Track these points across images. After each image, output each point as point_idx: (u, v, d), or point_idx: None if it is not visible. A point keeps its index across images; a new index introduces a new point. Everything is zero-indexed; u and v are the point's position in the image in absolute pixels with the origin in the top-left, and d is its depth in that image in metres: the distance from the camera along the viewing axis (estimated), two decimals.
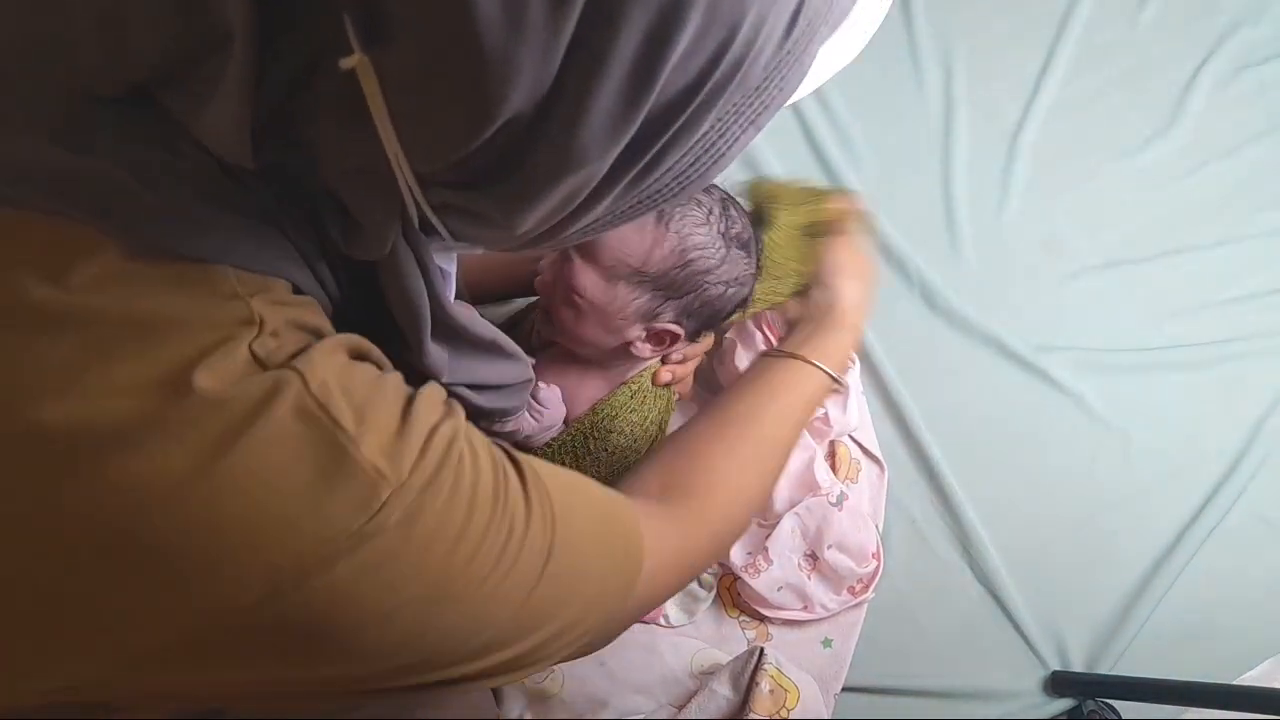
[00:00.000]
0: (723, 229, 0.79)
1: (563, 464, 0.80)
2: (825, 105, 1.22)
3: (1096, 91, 1.25)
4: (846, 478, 0.97)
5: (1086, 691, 0.94)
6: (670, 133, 0.32)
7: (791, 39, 0.32)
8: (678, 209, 0.77)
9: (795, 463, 0.95)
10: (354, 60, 0.28)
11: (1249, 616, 1.01)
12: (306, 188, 0.38)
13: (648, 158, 0.33)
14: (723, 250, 0.78)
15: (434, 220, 0.37)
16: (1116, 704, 0.93)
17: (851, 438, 1.00)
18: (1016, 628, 0.98)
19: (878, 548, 0.95)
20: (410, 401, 0.40)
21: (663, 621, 0.92)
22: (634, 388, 0.84)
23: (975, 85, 1.24)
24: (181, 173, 0.36)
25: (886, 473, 1.01)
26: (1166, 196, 1.20)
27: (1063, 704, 0.94)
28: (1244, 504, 1.04)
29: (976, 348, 1.10)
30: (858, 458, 0.99)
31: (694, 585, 0.92)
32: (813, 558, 0.94)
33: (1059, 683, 0.94)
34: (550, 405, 0.81)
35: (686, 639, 0.90)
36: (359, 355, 0.41)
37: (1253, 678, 0.99)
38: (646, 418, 0.84)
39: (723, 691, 0.82)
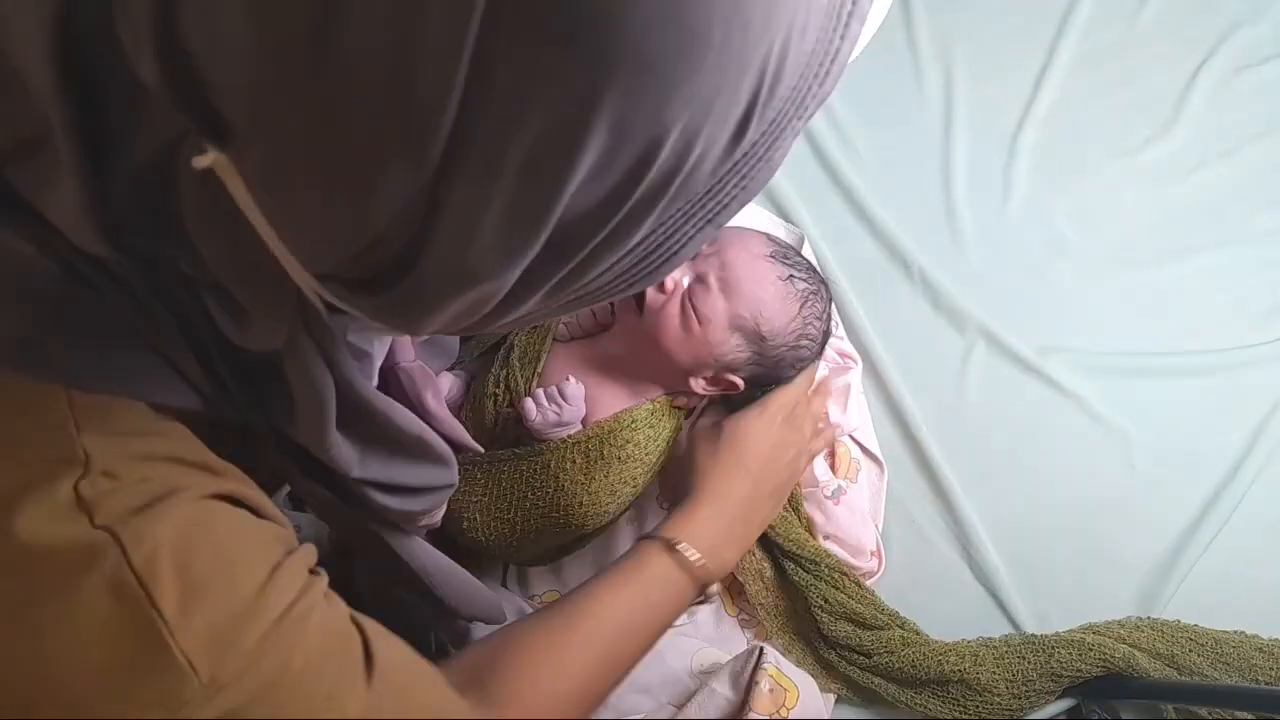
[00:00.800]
0: (825, 330, 0.86)
1: (573, 463, 0.80)
2: (826, 105, 1.21)
3: (1097, 91, 1.25)
4: (846, 477, 0.97)
5: (1086, 692, 0.93)
6: (591, 246, 0.29)
7: (745, 142, 0.29)
8: (812, 295, 0.83)
9: None
10: (208, 159, 0.26)
11: (1249, 618, 1.00)
12: (184, 276, 0.34)
13: (568, 268, 0.30)
14: (819, 345, 0.86)
15: (337, 307, 0.33)
16: (1116, 704, 0.93)
17: (851, 437, 1.00)
18: (1016, 628, 0.98)
19: (878, 546, 0.95)
20: (273, 571, 0.36)
21: None
22: (657, 404, 0.85)
23: (975, 85, 1.24)
24: (16, 278, 0.33)
25: (886, 472, 1.01)
26: (1167, 196, 1.20)
27: (1063, 704, 0.94)
28: (1246, 506, 1.03)
29: (978, 348, 1.10)
30: (857, 457, 1.00)
31: None
32: None
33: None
34: (573, 402, 0.81)
35: (686, 638, 0.90)
36: (232, 498, 0.37)
37: None
38: (660, 434, 0.84)
39: (722, 691, 0.82)
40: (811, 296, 0.83)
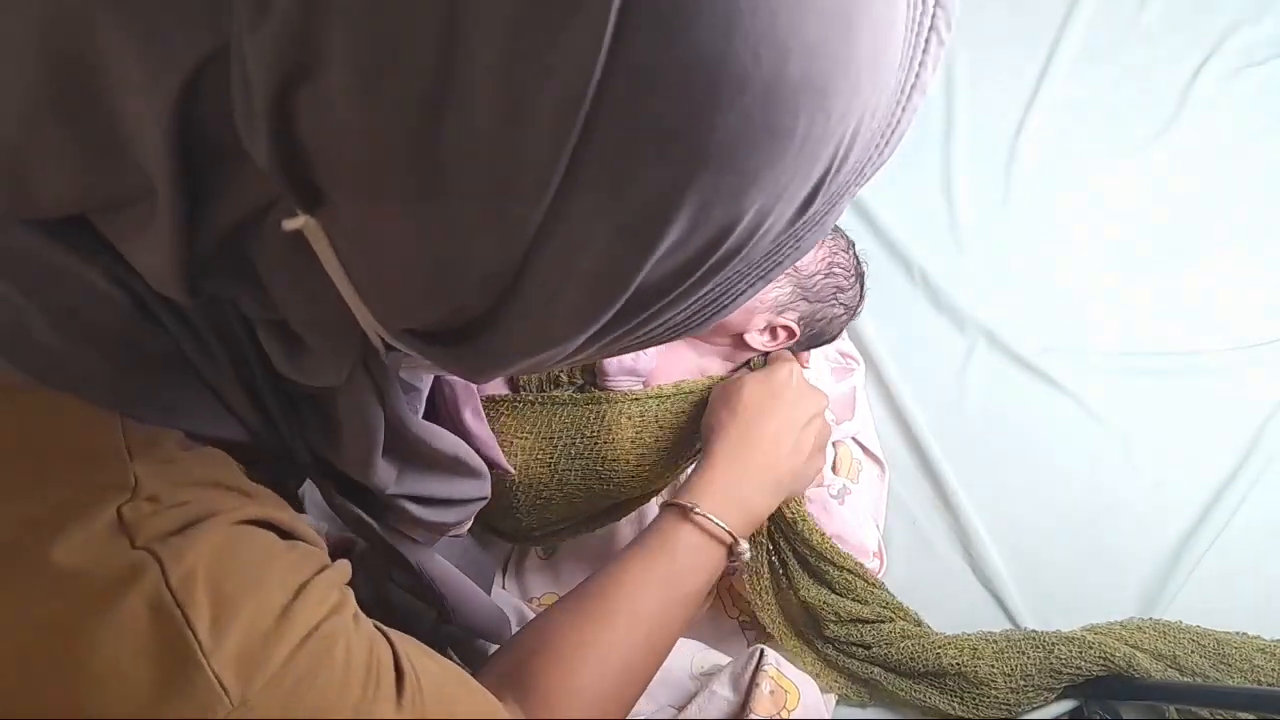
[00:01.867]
0: (854, 263, 0.90)
1: (628, 419, 0.82)
2: None
3: (1097, 91, 1.25)
4: (848, 477, 0.97)
5: (1087, 692, 0.93)
6: (654, 309, 0.30)
7: (809, 214, 0.30)
8: (846, 243, 0.89)
9: None
10: (299, 222, 0.27)
11: (1251, 618, 1.00)
12: (240, 312, 0.35)
13: (629, 325, 0.31)
14: (853, 278, 0.89)
15: (401, 350, 0.34)
16: (1118, 705, 0.93)
17: (853, 438, 1.00)
18: (1017, 628, 0.98)
19: (879, 547, 0.95)
20: (300, 591, 0.37)
21: None
22: (715, 380, 0.86)
23: (976, 85, 1.24)
24: (83, 311, 0.34)
25: (887, 473, 1.01)
26: (1167, 196, 1.20)
27: (1064, 704, 0.94)
28: (1246, 507, 1.03)
29: (978, 348, 1.10)
30: (859, 458, 1.00)
31: None
32: None
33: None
34: (644, 356, 0.84)
35: (686, 640, 0.90)
36: (264, 522, 0.38)
37: None
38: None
39: (723, 693, 0.82)
40: (846, 246, 0.90)
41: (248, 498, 0.39)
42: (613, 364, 0.83)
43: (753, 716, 0.79)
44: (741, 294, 0.33)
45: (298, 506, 0.44)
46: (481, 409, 0.61)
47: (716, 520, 0.66)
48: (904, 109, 0.30)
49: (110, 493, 0.33)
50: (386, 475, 0.44)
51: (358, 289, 0.29)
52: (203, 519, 0.35)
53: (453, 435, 0.49)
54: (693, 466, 0.75)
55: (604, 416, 0.82)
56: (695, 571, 0.66)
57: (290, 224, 0.27)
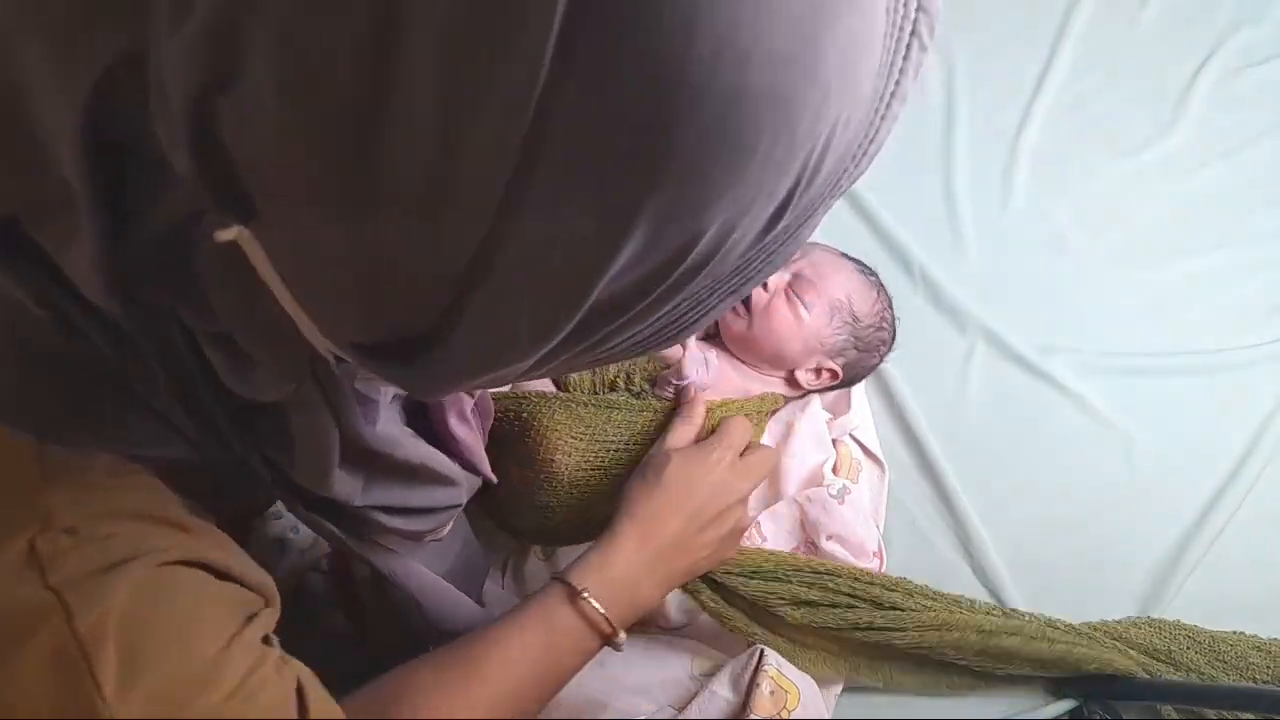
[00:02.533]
0: (893, 319, 0.95)
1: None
2: None
3: (1097, 91, 1.25)
4: (848, 477, 0.97)
5: (1088, 692, 0.93)
6: (614, 325, 0.29)
7: (780, 227, 0.28)
8: (880, 287, 0.93)
9: (810, 462, 0.96)
10: (231, 233, 0.26)
11: (1250, 618, 1.00)
12: (182, 325, 0.33)
13: (589, 341, 0.30)
14: (891, 334, 0.95)
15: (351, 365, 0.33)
16: (1117, 704, 0.93)
17: (853, 437, 1.00)
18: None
19: (879, 547, 0.95)
20: (229, 642, 0.35)
21: (662, 623, 0.92)
22: (761, 400, 0.89)
23: (976, 85, 1.24)
24: (6, 327, 0.33)
25: (887, 473, 1.01)
26: (1167, 196, 1.20)
27: (1064, 704, 0.94)
28: (1247, 507, 1.03)
29: (978, 348, 1.10)
30: (859, 458, 0.99)
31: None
32: (811, 546, 0.94)
33: (1060, 683, 0.94)
34: (713, 371, 0.86)
35: (686, 640, 0.90)
36: (196, 563, 0.36)
37: None
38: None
39: (723, 693, 0.82)
40: (880, 288, 0.95)
41: (181, 532, 0.37)
42: (691, 376, 0.83)
43: (753, 717, 0.79)
44: (711, 309, 0.32)
45: (244, 533, 0.42)
46: (468, 412, 0.59)
47: (602, 611, 0.64)
48: (882, 118, 0.29)
49: (20, 523, 0.32)
50: (349, 487, 0.43)
51: (299, 301, 0.28)
52: (126, 560, 0.33)
53: (419, 443, 0.48)
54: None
55: (660, 425, 0.83)
56: (569, 654, 0.64)
57: (223, 235, 0.26)
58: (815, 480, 0.96)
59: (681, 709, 0.83)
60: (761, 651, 0.82)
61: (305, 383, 0.35)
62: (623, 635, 0.65)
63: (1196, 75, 1.25)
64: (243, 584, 0.41)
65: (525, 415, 0.80)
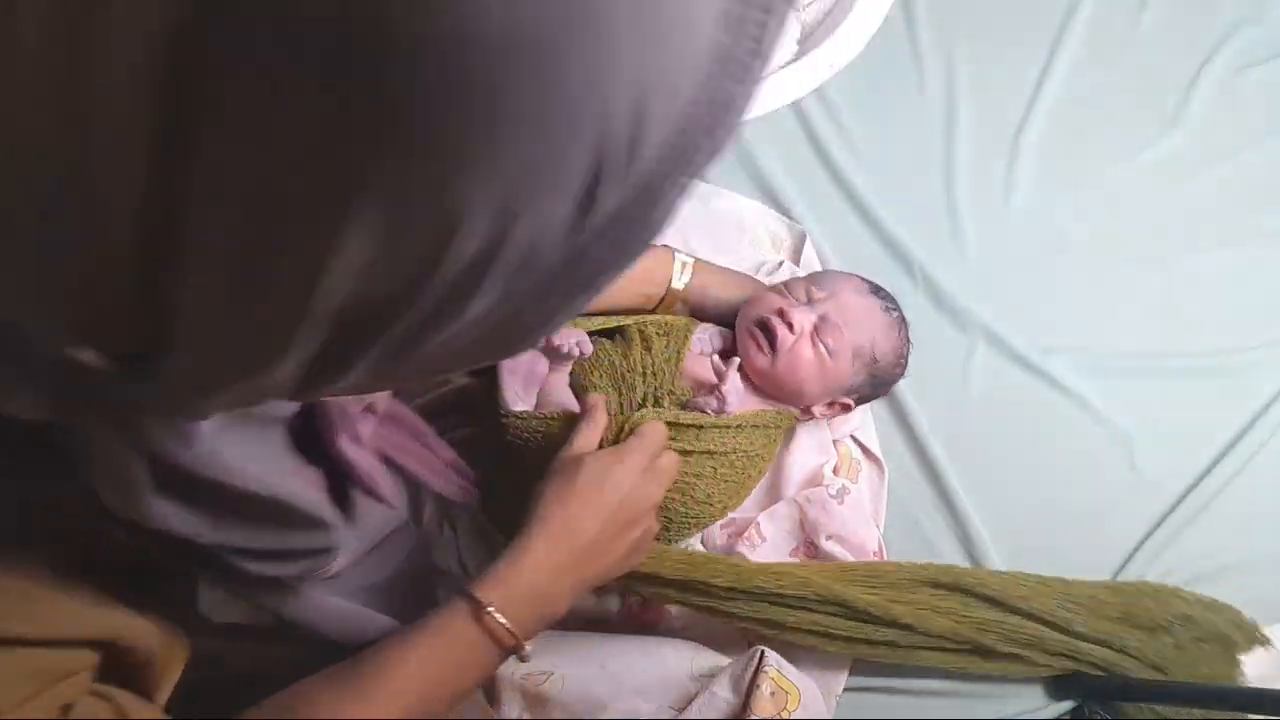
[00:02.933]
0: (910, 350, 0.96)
1: (721, 438, 0.84)
2: (828, 105, 1.21)
3: (1098, 91, 1.25)
4: (847, 477, 0.97)
5: (1087, 692, 0.93)
6: (401, 327, 0.24)
7: (600, 212, 0.23)
8: (902, 322, 0.94)
9: (810, 464, 0.96)
10: None
11: (1249, 615, 1.00)
12: None
13: (379, 349, 0.25)
14: (906, 364, 0.97)
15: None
16: (1117, 704, 0.93)
17: (853, 437, 1.00)
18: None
19: (880, 546, 0.95)
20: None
21: (660, 623, 0.92)
22: (767, 419, 0.90)
23: (977, 85, 1.24)
24: None
25: (887, 473, 1.01)
26: (1169, 196, 1.20)
27: (1064, 705, 0.94)
28: (1246, 507, 1.03)
29: (979, 348, 1.09)
30: (858, 458, 0.99)
31: None
32: (811, 546, 0.94)
33: (1060, 684, 0.94)
34: (732, 396, 0.86)
35: (686, 640, 0.90)
36: None
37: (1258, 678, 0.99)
38: (762, 450, 0.90)
39: (723, 694, 0.82)
40: (902, 323, 0.95)
41: None
42: (728, 385, 0.85)
43: (753, 718, 0.79)
44: (558, 309, 0.27)
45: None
46: (362, 435, 0.56)
47: (506, 625, 0.62)
48: (738, 80, 0.24)
49: None
50: (183, 521, 0.39)
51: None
52: None
53: (277, 473, 0.43)
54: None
55: (700, 437, 0.84)
56: (471, 669, 0.63)
57: None
58: (814, 481, 0.96)
59: (681, 710, 0.83)
60: (762, 653, 0.82)
61: (69, 401, 0.30)
62: (528, 646, 0.63)
63: (1197, 75, 1.25)
64: (55, 644, 0.37)
65: (553, 434, 0.80)
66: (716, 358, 0.90)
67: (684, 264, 0.92)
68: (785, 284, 0.94)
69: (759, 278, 1.07)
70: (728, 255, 1.02)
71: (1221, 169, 1.21)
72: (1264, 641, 0.97)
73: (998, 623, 0.88)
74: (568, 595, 0.67)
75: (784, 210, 1.15)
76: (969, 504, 1.01)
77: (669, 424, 0.81)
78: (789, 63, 1.01)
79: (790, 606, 0.84)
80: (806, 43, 1.05)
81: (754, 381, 0.91)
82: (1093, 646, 0.90)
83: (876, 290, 0.94)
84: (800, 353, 0.87)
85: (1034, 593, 0.90)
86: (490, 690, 0.82)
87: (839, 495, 0.95)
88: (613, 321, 0.93)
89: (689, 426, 0.83)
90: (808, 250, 1.11)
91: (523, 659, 0.63)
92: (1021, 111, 1.23)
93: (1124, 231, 1.17)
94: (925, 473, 1.03)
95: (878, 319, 0.92)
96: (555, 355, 0.83)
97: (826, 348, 0.88)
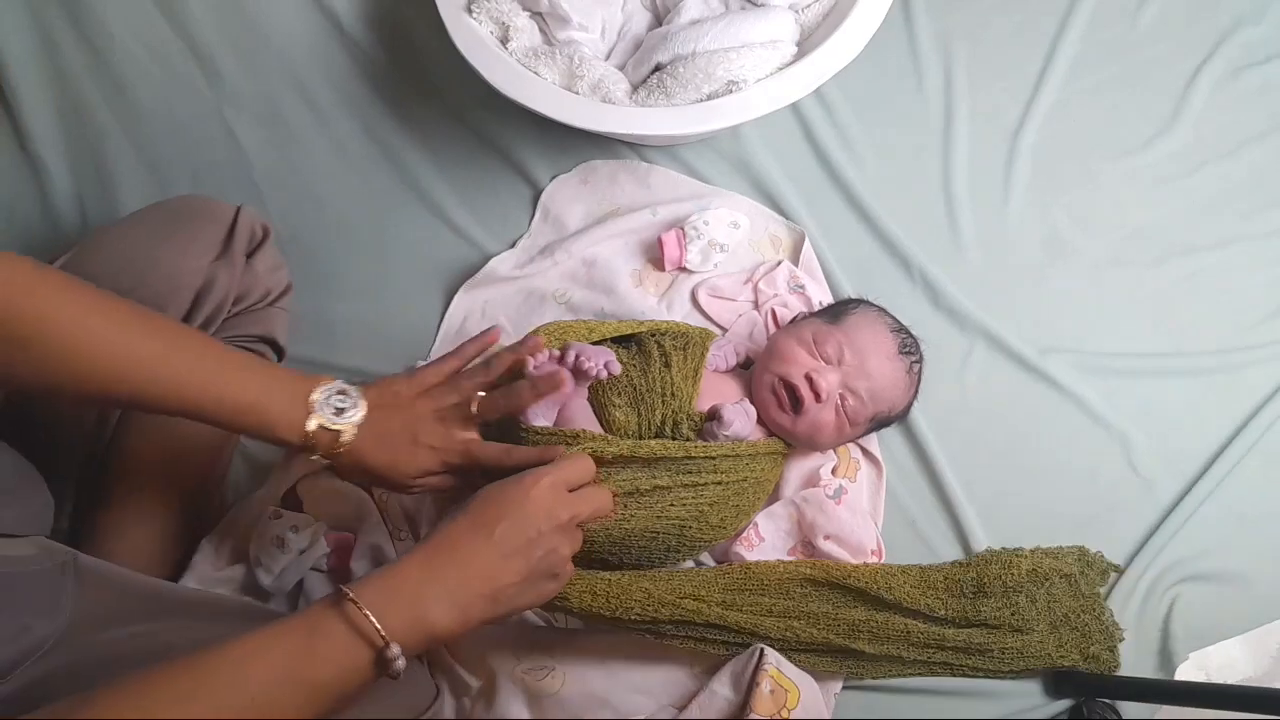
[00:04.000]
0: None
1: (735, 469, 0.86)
2: (826, 105, 1.22)
3: (1097, 91, 1.25)
4: (846, 476, 0.97)
5: (1086, 691, 0.93)
6: None
7: None
8: (920, 368, 0.95)
9: (808, 464, 0.96)
10: None
11: (1249, 615, 1.01)
12: None
13: None
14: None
15: None
16: (1117, 704, 0.93)
17: None
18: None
19: (878, 545, 0.96)
20: None
21: None
22: (777, 447, 0.92)
23: (976, 85, 1.24)
24: None
25: (885, 472, 1.01)
26: (1168, 196, 1.20)
27: (1063, 704, 0.94)
28: (1245, 506, 1.03)
29: (978, 348, 1.10)
30: (857, 457, 1.00)
31: None
32: (809, 546, 0.94)
33: (1059, 682, 0.94)
34: (748, 419, 0.87)
35: None
36: None
37: (1254, 679, 0.99)
38: (765, 476, 0.91)
39: (723, 692, 0.82)
40: (920, 370, 0.96)
41: None
42: (735, 428, 0.85)
43: (753, 716, 0.79)
44: None
45: None
46: None
47: (372, 619, 0.58)
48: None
49: None
50: None
51: None
52: None
53: None
54: None
55: (715, 468, 0.84)
56: (326, 663, 0.58)
57: None
58: (812, 481, 0.96)
59: (682, 707, 0.83)
60: (762, 650, 0.82)
61: None
62: (396, 649, 0.59)
63: (1196, 75, 1.25)
64: None
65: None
66: (730, 408, 0.87)
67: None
68: (815, 332, 0.91)
69: (758, 277, 1.08)
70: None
71: (1220, 169, 1.21)
72: (1116, 569, 0.98)
73: (866, 621, 0.87)
74: (451, 610, 0.62)
75: (783, 211, 1.16)
76: (967, 503, 1.01)
77: (685, 456, 0.82)
78: (788, 64, 1.01)
79: (676, 635, 0.82)
80: (806, 43, 1.05)
81: (766, 426, 0.92)
82: (957, 630, 0.91)
83: (905, 348, 0.94)
84: (823, 419, 0.89)
85: (896, 582, 0.90)
86: (489, 686, 0.82)
87: (836, 495, 0.95)
88: (627, 327, 0.92)
89: (703, 458, 0.83)
90: (806, 250, 1.11)
91: (390, 664, 0.59)
92: (1020, 112, 1.23)
93: (1123, 231, 1.18)
94: (924, 472, 1.03)
95: (901, 382, 0.93)
96: (583, 377, 0.83)
97: (848, 415, 0.90)
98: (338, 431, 0.71)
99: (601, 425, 0.85)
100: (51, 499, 0.73)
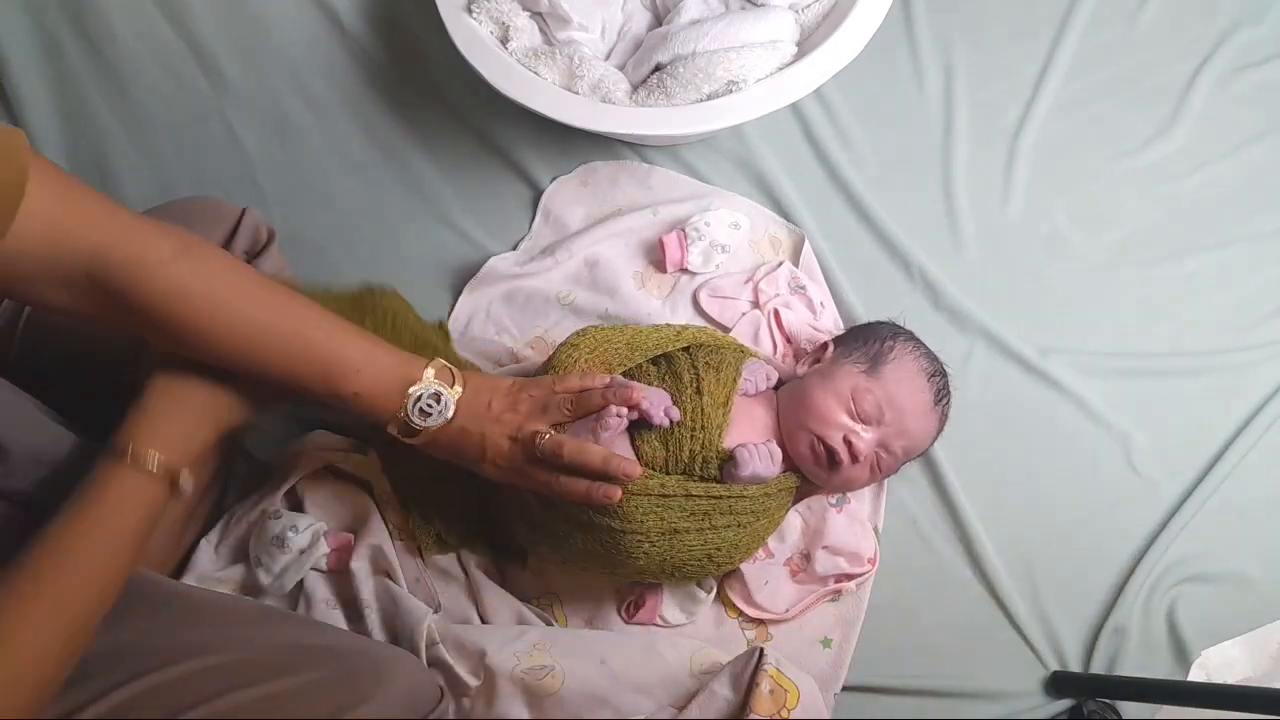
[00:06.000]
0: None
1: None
2: (826, 105, 1.22)
3: (1097, 91, 1.25)
4: None
5: (1086, 691, 0.94)
6: None
7: None
8: (948, 391, 0.95)
9: None
10: None
11: (1249, 615, 1.00)
12: None
13: None
14: None
15: None
16: (1117, 704, 0.93)
17: None
18: (1016, 628, 0.98)
19: (875, 554, 0.96)
20: None
21: (660, 621, 0.92)
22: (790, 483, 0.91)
23: (976, 85, 1.24)
24: None
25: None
26: (1167, 197, 1.20)
27: (1063, 704, 0.94)
28: (1246, 506, 1.03)
29: (978, 348, 1.10)
30: None
31: (694, 586, 0.92)
32: (805, 558, 0.94)
33: (1059, 683, 0.94)
34: (771, 462, 0.86)
35: (686, 639, 0.90)
36: None
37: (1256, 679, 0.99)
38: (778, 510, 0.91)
39: (723, 692, 0.82)
40: (949, 407, 0.96)
41: None
42: (763, 470, 0.84)
43: (753, 716, 0.79)
44: None
45: None
46: None
47: (155, 458, 0.65)
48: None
49: None
50: None
51: None
52: None
53: None
54: None
55: (734, 507, 0.84)
56: (131, 517, 0.64)
57: None
58: (810, 487, 0.96)
59: (681, 707, 0.83)
60: (761, 650, 0.82)
61: None
62: (185, 474, 0.66)
63: (1196, 75, 1.25)
64: None
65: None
66: (749, 453, 0.85)
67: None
68: (853, 388, 0.89)
69: (759, 278, 1.08)
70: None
71: (1220, 169, 1.21)
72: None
73: None
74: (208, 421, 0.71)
75: (783, 210, 1.16)
76: (968, 504, 1.01)
77: (708, 496, 0.82)
78: (788, 64, 1.01)
79: None
80: (806, 43, 1.05)
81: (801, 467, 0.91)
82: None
83: (940, 395, 0.94)
84: (857, 474, 0.90)
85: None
86: (489, 686, 0.82)
87: (839, 505, 0.95)
88: (663, 340, 0.90)
89: (725, 497, 0.83)
90: (806, 252, 1.11)
91: (182, 490, 0.66)
92: (1020, 112, 1.23)
93: (1123, 231, 1.18)
94: (924, 472, 1.03)
95: (934, 429, 0.95)
96: (645, 419, 0.81)
97: (882, 470, 0.92)
98: (416, 430, 0.75)
99: (634, 451, 0.83)
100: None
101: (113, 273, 0.62)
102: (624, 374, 0.87)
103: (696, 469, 0.83)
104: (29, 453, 0.68)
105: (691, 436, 0.84)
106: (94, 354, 0.81)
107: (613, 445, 0.81)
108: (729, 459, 0.84)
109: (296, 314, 0.71)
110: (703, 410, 0.84)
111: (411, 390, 0.74)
